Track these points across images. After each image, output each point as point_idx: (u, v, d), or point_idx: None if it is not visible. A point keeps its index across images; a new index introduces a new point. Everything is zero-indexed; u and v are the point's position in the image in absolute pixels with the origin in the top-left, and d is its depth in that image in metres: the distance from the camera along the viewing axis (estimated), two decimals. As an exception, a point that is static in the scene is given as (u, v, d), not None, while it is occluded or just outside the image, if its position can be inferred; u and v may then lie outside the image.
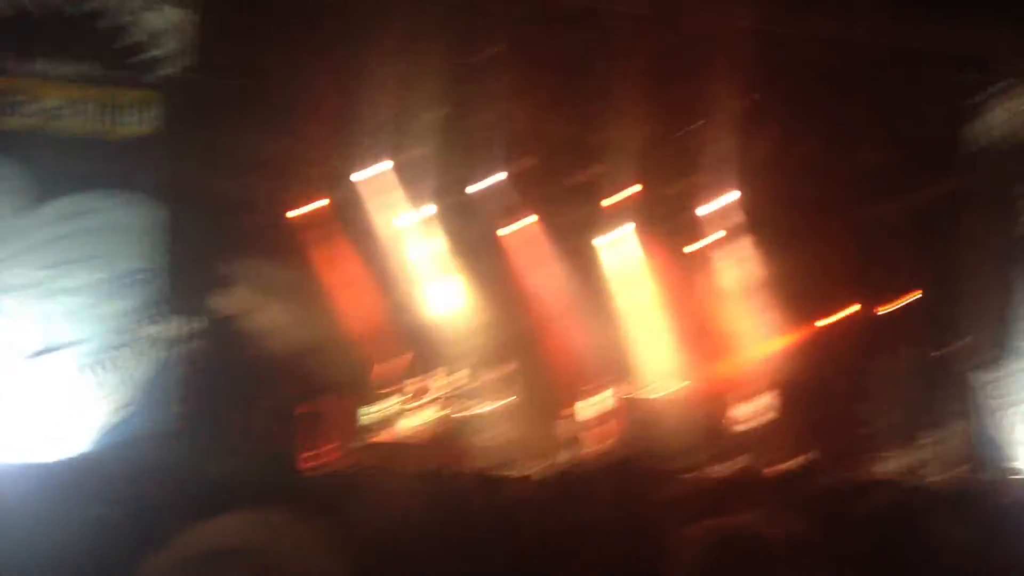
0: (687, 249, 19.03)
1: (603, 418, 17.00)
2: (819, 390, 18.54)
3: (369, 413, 16.35)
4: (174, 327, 13.27)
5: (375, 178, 16.27)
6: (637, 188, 17.27)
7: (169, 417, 13.12)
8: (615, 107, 15.40)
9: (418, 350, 17.93)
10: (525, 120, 15.11)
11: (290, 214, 16.88)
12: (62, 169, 12.89)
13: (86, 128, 13.06)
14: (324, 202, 16.82)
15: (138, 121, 13.17)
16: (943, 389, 16.18)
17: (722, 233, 18.48)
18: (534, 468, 13.02)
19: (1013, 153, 16.48)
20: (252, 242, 15.89)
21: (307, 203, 16.68)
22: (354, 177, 16.45)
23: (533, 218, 17.94)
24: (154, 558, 1.46)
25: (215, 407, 13.46)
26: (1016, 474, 15.30)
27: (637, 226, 18.47)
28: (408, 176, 16.37)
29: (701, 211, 18.24)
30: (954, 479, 14.23)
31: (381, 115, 14.65)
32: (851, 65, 14.85)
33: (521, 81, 14.95)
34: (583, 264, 19.31)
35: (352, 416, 15.81)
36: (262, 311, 16.09)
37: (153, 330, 13.07)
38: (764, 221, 17.79)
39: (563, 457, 16.13)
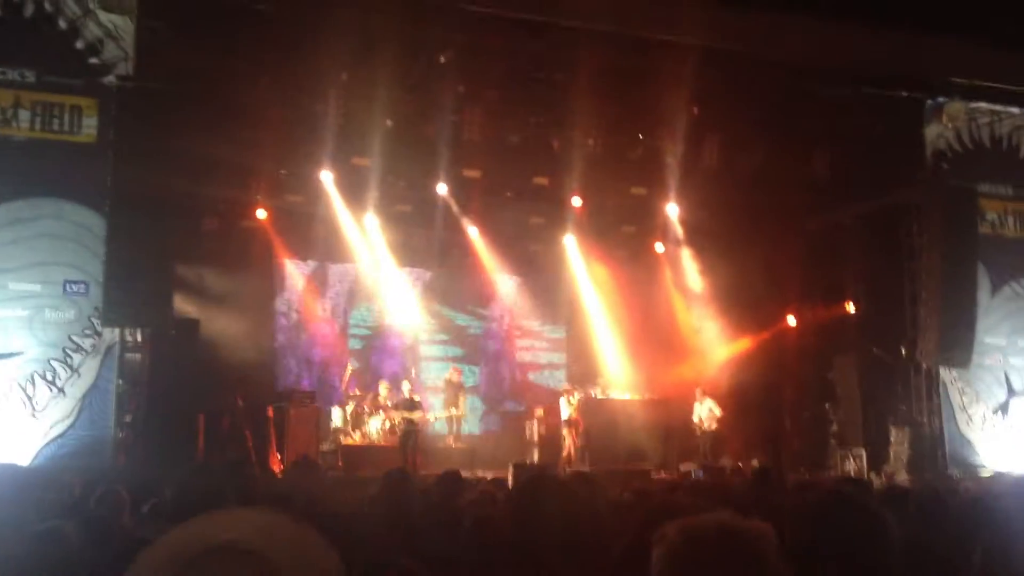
0: (636, 256, 19.23)
1: (559, 422, 17.14)
2: (776, 392, 18.83)
3: (333, 417, 16.37)
4: (121, 335, 13.08)
5: (323, 185, 16.20)
6: (581, 200, 17.38)
7: (118, 426, 12.93)
8: (564, 119, 15.49)
9: (374, 356, 17.94)
10: (474, 129, 15.11)
11: (239, 220, 16.80)
12: (3, 175, 12.66)
13: (29, 134, 12.84)
14: (271, 209, 16.77)
15: (82, 126, 12.99)
16: (903, 389, 16.45)
17: (673, 241, 18.68)
18: (498, 470, 13.04)
19: (954, 162, 16.87)
20: (200, 248, 15.77)
21: (256, 209, 16.60)
22: (302, 183, 16.38)
23: (479, 226, 18.01)
24: (149, 553, 1.45)
25: (167, 415, 13.28)
26: (977, 471, 15.61)
27: (585, 235, 18.60)
28: (356, 183, 16.33)
29: (649, 220, 18.41)
30: (915, 477, 14.46)
31: (329, 122, 14.57)
32: (795, 81, 15.08)
33: (471, 91, 14.97)
34: (535, 271, 19.43)
35: (314, 421, 15.80)
36: (213, 317, 15.98)
37: (100, 338, 12.86)
38: (717, 230, 17.98)
39: (525, 459, 16.23)
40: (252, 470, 12.62)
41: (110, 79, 13.11)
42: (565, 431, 16.56)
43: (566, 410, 16.62)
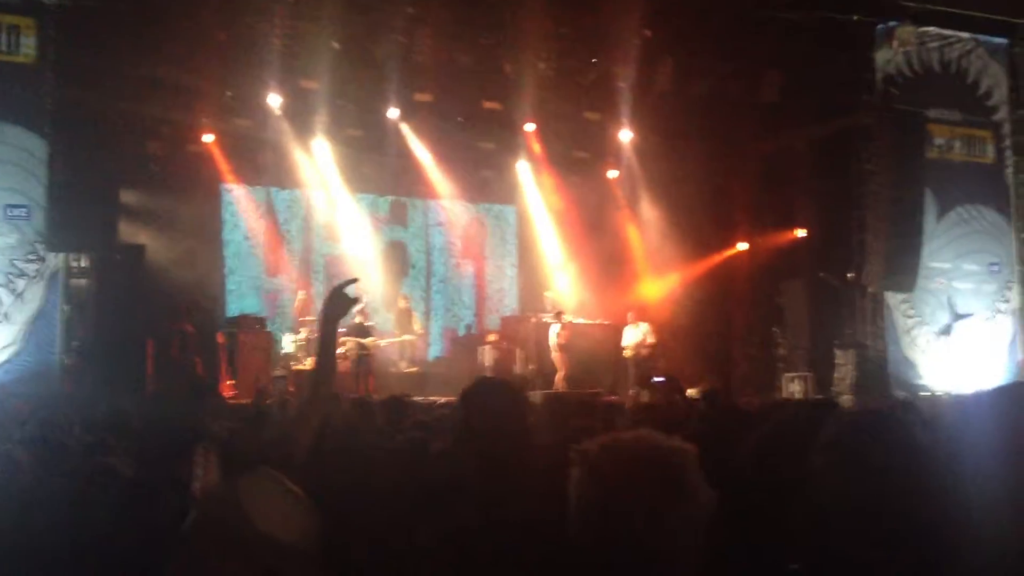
0: (592, 181, 19.22)
1: (512, 345, 17.23)
2: (725, 317, 19.05)
3: (285, 343, 16.35)
4: (66, 260, 12.92)
5: (270, 109, 15.96)
6: (533, 125, 17.29)
7: (65, 352, 12.85)
8: (516, 41, 15.34)
9: (325, 282, 17.85)
10: (424, 52, 14.93)
11: (184, 144, 16.54)
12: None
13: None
14: (218, 132, 16.51)
15: (20, 46, 12.66)
16: (849, 312, 16.70)
17: (625, 166, 18.66)
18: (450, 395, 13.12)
19: (903, 87, 16.95)
20: (145, 172, 15.54)
21: (202, 133, 16.33)
22: (249, 106, 16.14)
23: (431, 152, 17.87)
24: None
25: (115, 341, 13.19)
26: (924, 392, 15.95)
27: (538, 160, 18.55)
28: (304, 107, 16.11)
29: (602, 145, 18.39)
30: (863, 399, 14.70)
31: (275, 44, 14.32)
32: (746, 4, 15.03)
33: (420, 12, 14.74)
34: (487, 197, 19.38)
35: (265, 348, 15.79)
36: (161, 243, 15.82)
37: (44, 263, 12.71)
38: (669, 155, 17.99)
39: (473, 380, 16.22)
40: (214, 399, 12.66)
41: (47, -1, 12.78)
42: (556, 355, 16.56)
43: (555, 336, 16.62)
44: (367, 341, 15.68)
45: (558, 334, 16.50)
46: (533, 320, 17.37)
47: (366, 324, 15.93)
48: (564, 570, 2.03)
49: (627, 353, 16.72)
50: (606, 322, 17.54)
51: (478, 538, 2.56)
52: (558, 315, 16.78)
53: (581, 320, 17.47)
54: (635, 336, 16.68)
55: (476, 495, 2.69)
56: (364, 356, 15.59)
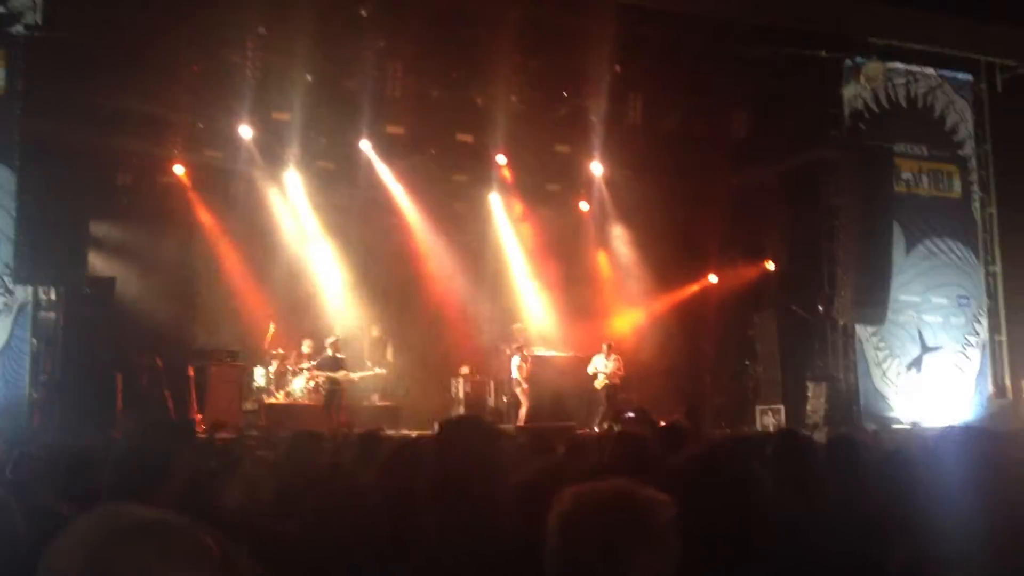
0: (563, 214, 19.28)
1: (484, 377, 17.17)
2: (696, 349, 19.08)
3: (256, 376, 16.23)
4: (35, 293, 12.78)
5: (241, 141, 15.93)
6: (505, 157, 17.36)
7: (34, 386, 12.67)
8: (487, 74, 15.43)
9: (298, 315, 17.75)
10: (396, 85, 14.97)
11: (155, 175, 16.46)
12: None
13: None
14: (189, 164, 16.45)
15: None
16: (822, 344, 16.80)
17: (596, 199, 18.76)
18: (423, 429, 13.06)
19: (871, 122, 17.17)
20: (115, 204, 15.44)
21: (172, 164, 16.27)
22: (220, 138, 16.10)
23: (403, 184, 17.88)
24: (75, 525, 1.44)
25: (84, 375, 13.05)
26: (893, 424, 16.02)
27: (509, 193, 18.60)
28: (276, 139, 16.10)
29: (574, 178, 18.48)
30: (833, 431, 14.72)
31: (247, 75, 14.30)
32: (715, 40, 15.22)
33: (391, 46, 14.80)
34: (459, 230, 19.37)
35: (236, 380, 15.65)
36: (130, 275, 15.69)
37: (12, 296, 12.56)
38: (639, 188, 18.09)
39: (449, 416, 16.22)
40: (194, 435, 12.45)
41: (18, 28, 12.70)
42: (518, 389, 16.51)
43: (517, 370, 16.57)
44: (338, 375, 15.59)
45: (519, 367, 16.50)
46: (506, 352, 17.36)
47: (338, 356, 15.85)
48: None
49: (598, 384, 16.73)
50: (574, 354, 17.52)
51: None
52: (518, 348, 16.78)
53: (550, 352, 17.50)
54: (607, 367, 16.69)
55: (448, 535, 2.68)
56: (336, 391, 15.51)
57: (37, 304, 12.86)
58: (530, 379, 16.53)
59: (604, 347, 16.91)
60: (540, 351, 17.57)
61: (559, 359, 17.47)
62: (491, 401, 16.87)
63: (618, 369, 16.68)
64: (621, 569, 1.92)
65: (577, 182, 18.55)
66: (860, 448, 5.57)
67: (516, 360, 16.56)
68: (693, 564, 2.03)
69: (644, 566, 1.93)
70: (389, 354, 17.49)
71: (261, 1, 13.58)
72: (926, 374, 17.15)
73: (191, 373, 15.18)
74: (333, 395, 15.47)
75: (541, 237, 19.07)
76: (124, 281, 15.28)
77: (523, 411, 16.29)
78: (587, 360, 17.04)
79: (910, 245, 17.33)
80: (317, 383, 15.87)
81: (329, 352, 15.80)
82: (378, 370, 16.91)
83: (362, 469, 5.70)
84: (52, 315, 13.02)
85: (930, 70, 17.81)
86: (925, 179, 17.71)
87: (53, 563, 1.41)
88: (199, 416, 14.71)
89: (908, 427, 15.70)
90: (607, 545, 1.93)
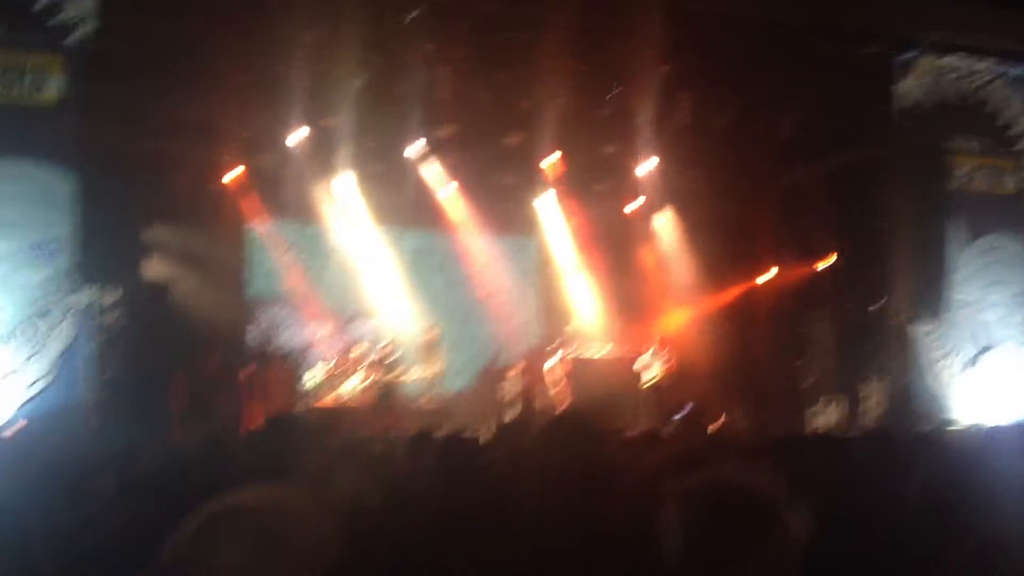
0: (613, 214, 19.26)
1: (543, 379, 17.21)
2: (749, 348, 18.94)
3: (307, 379, 16.42)
4: (94, 296, 13.04)
5: (296, 144, 16.12)
6: (558, 155, 17.37)
7: (94, 387, 12.93)
8: (534, 77, 15.46)
9: (349, 317, 17.95)
10: (444, 88, 15.07)
11: (208, 181, 16.71)
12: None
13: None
14: (243, 168, 16.68)
15: (45, 87, 12.86)
16: (878, 343, 16.63)
17: (645, 199, 18.70)
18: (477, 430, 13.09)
19: (923, 118, 16.94)
20: (170, 209, 15.68)
21: (225, 171, 16.51)
22: (272, 144, 16.31)
23: (456, 184, 17.99)
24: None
25: (143, 376, 13.30)
26: (951, 425, 15.80)
27: (562, 192, 18.61)
28: (326, 144, 16.27)
29: (624, 177, 18.44)
30: (890, 431, 14.57)
31: (296, 83, 14.46)
32: (763, 37, 15.08)
33: (439, 49, 14.88)
34: (512, 230, 19.43)
35: (289, 382, 15.85)
36: (186, 278, 15.94)
37: (73, 299, 12.82)
38: (688, 188, 18.01)
39: (507, 418, 16.30)
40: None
41: (73, 38, 12.97)
42: (553, 391, 16.54)
43: (552, 370, 16.59)
44: (388, 377, 15.74)
45: (552, 369, 16.54)
46: (565, 354, 17.42)
47: (389, 359, 15.98)
48: None
49: (646, 384, 16.68)
50: (622, 355, 17.48)
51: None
52: (555, 350, 16.83)
53: (597, 353, 17.48)
54: (654, 365, 16.66)
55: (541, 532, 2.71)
56: (385, 392, 15.63)
57: (96, 307, 13.12)
58: (571, 381, 16.53)
59: (652, 346, 16.87)
60: (589, 352, 17.57)
61: (605, 361, 17.43)
62: (540, 403, 16.83)
63: (667, 368, 16.65)
64: (754, 558, 1.94)
65: (626, 182, 18.49)
66: (936, 446, 5.56)
67: (552, 362, 16.62)
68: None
69: (775, 553, 1.95)
70: (440, 355, 17.57)
71: (309, 8, 13.71)
72: (983, 373, 16.88)
73: (245, 375, 15.39)
74: (383, 397, 15.59)
75: (590, 237, 19.06)
76: (181, 284, 15.55)
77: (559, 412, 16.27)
78: (635, 360, 17.00)
79: (965, 243, 17.07)
80: (368, 385, 16.02)
81: (378, 355, 15.96)
82: (429, 372, 17.02)
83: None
84: (112, 317, 13.27)
85: (983, 65, 17.52)
86: (980, 175, 17.44)
87: None
88: (254, 417, 14.91)
89: (966, 428, 15.46)
90: (737, 534, 1.95)
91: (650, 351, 16.87)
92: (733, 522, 1.96)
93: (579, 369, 16.89)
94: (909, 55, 16.60)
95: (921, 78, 16.71)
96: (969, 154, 17.30)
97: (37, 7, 12.97)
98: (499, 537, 2.75)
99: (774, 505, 1.97)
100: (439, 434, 6.97)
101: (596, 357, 17.52)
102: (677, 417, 14.47)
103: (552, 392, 16.90)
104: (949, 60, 17.09)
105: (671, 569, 1.98)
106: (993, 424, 14.06)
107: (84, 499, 4.48)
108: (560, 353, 17.12)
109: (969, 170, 17.32)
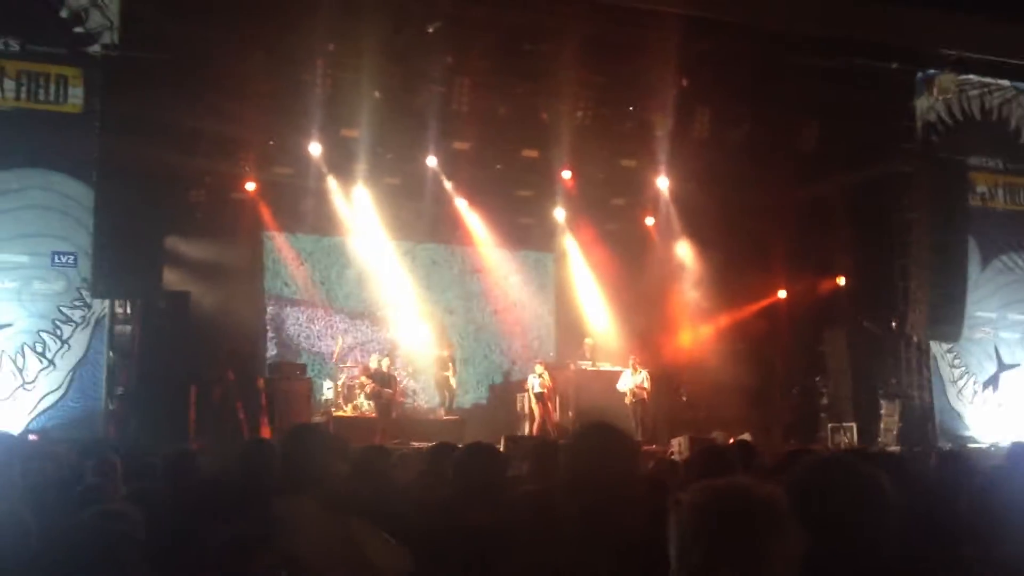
0: (626, 229, 19.23)
1: (550, 392, 17.15)
2: (766, 365, 18.82)
3: (324, 389, 16.46)
4: (111, 307, 13.08)
5: (311, 158, 16.17)
6: (570, 172, 17.36)
7: (109, 398, 12.96)
8: (553, 90, 15.46)
9: (363, 329, 17.98)
10: (463, 101, 15.06)
11: (227, 192, 16.79)
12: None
13: (14, 103, 12.80)
14: (260, 181, 16.74)
15: (67, 96, 12.95)
16: (894, 362, 16.51)
17: (663, 213, 18.66)
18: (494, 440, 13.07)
19: (944, 134, 16.86)
20: (189, 220, 15.74)
21: (244, 181, 16.57)
22: (291, 155, 16.38)
23: (469, 199, 18.00)
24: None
25: (158, 387, 13.32)
26: (969, 443, 15.65)
27: (575, 207, 18.59)
28: (344, 155, 16.32)
29: (639, 193, 18.41)
30: (909, 448, 14.48)
31: (317, 93, 14.51)
32: (784, 52, 15.03)
33: (458, 62, 14.90)
34: (525, 244, 19.44)
35: (305, 394, 15.90)
36: (203, 290, 15.98)
37: (89, 310, 12.87)
38: (706, 202, 17.94)
39: (517, 431, 16.30)
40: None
41: (95, 48, 13.06)
42: (535, 405, 16.53)
43: (535, 385, 16.60)
44: (385, 391, 15.80)
45: (537, 383, 16.56)
46: (572, 367, 17.34)
47: (391, 373, 16.08)
48: None
49: (626, 399, 16.62)
50: (617, 369, 17.38)
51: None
52: (570, 363, 16.86)
53: (605, 367, 17.46)
54: (633, 381, 16.61)
55: (575, 538, 2.72)
56: (386, 405, 15.69)
57: (114, 318, 13.16)
58: (547, 396, 16.55)
59: (630, 360, 16.81)
60: (604, 366, 17.55)
61: (604, 373, 17.40)
62: (556, 417, 16.78)
63: (645, 385, 16.60)
64: (758, 562, 1.96)
65: (643, 196, 18.47)
66: (964, 464, 5.52)
67: (533, 377, 16.76)
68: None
69: (778, 558, 1.96)
70: (455, 369, 17.57)
71: (330, 20, 13.75)
72: (1003, 392, 16.75)
73: (262, 386, 15.43)
74: (384, 410, 15.71)
75: (607, 251, 19.02)
76: (198, 295, 15.56)
77: (535, 427, 16.30)
78: (649, 374, 16.94)
79: (986, 260, 16.97)
80: (384, 398, 16.07)
81: (383, 368, 16.04)
82: (446, 381, 17.06)
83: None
84: (128, 328, 13.32)
85: (1005, 82, 17.44)
86: (1000, 193, 17.36)
87: None
88: (270, 429, 14.94)
89: (985, 447, 15.32)
90: (741, 539, 1.97)
91: (629, 365, 16.83)
92: (747, 533, 1.96)
93: (593, 383, 16.81)
94: (929, 72, 16.52)
95: (941, 95, 16.63)
96: (990, 171, 17.21)
97: (59, 17, 13.07)
98: (538, 547, 2.80)
99: (789, 520, 1.98)
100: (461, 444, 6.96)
101: (610, 370, 17.44)
102: (692, 434, 14.47)
103: (568, 405, 16.86)
104: (970, 77, 17.02)
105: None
106: (1013, 443, 13.93)
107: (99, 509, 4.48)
108: (575, 366, 17.08)
109: (990, 187, 17.24)
